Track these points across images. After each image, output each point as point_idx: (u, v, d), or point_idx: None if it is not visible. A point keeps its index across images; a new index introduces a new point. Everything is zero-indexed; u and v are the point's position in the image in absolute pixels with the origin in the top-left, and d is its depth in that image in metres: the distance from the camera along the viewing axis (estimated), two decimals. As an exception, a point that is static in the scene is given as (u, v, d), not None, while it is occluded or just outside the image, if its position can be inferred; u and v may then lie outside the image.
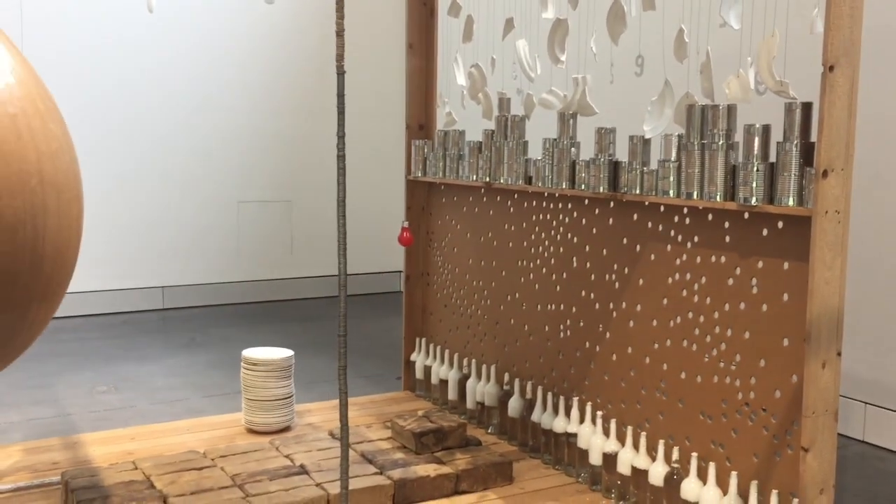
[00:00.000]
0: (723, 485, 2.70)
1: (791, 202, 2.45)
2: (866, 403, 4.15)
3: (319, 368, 5.21)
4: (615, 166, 3.08)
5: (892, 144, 3.96)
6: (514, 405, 3.60)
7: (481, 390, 3.81)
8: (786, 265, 2.53)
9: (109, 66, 6.83)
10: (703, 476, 2.76)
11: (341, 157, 2.24)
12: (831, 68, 2.26)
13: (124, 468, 3.10)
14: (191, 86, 7.23)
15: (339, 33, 2.21)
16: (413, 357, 4.35)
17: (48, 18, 6.50)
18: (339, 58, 2.21)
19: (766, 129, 2.55)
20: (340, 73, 2.21)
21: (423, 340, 4.31)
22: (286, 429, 3.73)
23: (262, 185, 7.65)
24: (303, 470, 3.11)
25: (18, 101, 1.42)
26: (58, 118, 1.57)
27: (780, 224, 2.55)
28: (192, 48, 7.20)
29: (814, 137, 2.39)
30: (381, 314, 7.25)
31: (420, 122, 4.30)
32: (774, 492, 2.52)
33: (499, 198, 3.79)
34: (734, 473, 2.65)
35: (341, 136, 2.23)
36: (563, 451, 3.34)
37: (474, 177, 3.83)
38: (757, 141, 2.54)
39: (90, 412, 4.55)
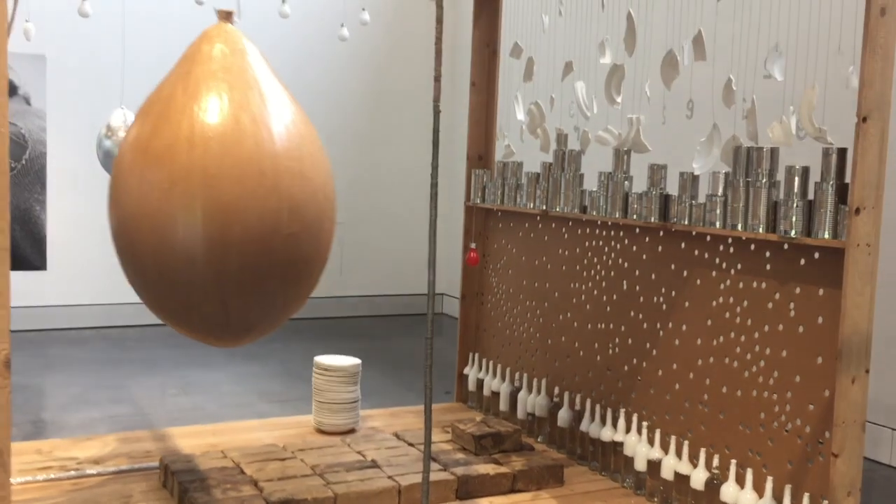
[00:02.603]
0: (759, 489, 2.98)
1: (827, 235, 2.76)
2: (894, 430, 4.40)
3: (374, 381, 5.54)
4: (666, 199, 3.41)
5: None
6: (563, 416, 3.91)
7: (532, 402, 4.12)
8: (821, 291, 2.84)
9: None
10: (741, 481, 3.05)
11: (434, 185, 2.58)
12: (864, 119, 2.58)
13: (215, 456, 3.45)
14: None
15: (437, 78, 2.57)
16: (466, 370, 4.67)
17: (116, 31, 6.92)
18: (436, 99, 2.57)
19: (805, 171, 2.87)
20: (437, 113, 2.57)
21: (476, 355, 4.63)
22: (351, 430, 4.06)
23: (316, 207, 8.05)
24: (374, 464, 3.44)
25: (309, 143, 1.86)
26: (324, 153, 1.99)
27: (817, 255, 2.86)
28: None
29: (848, 179, 2.70)
30: (419, 333, 7.58)
31: (479, 153, 4.65)
32: (806, 494, 2.81)
33: (554, 224, 4.13)
34: (770, 478, 2.94)
35: (435, 167, 2.57)
36: (609, 458, 3.64)
37: (531, 205, 4.17)
38: (797, 180, 2.86)
39: (165, 412, 4.93)
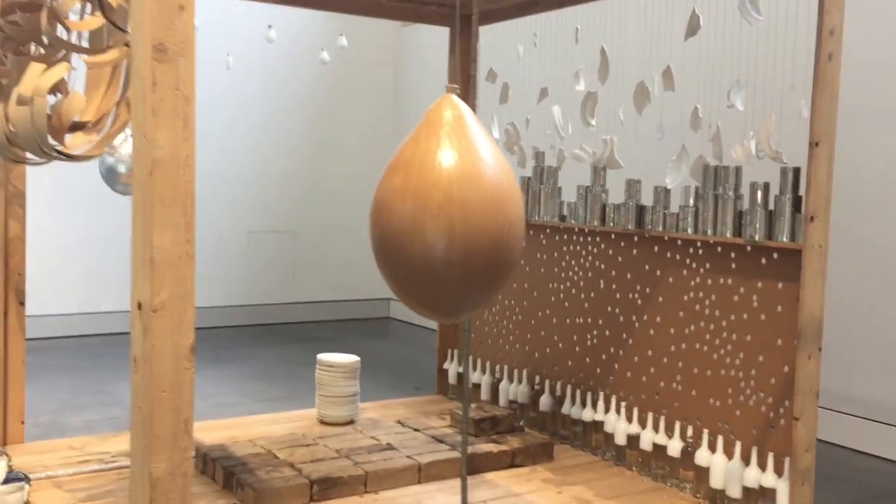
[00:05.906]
0: (728, 453, 3.55)
1: (785, 239, 3.35)
2: (819, 407, 5.07)
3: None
4: (641, 209, 3.95)
5: (861, 196, 4.94)
6: (545, 401, 4.40)
7: (514, 390, 4.61)
8: (780, 285, 3.42)
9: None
10: (712, 447, 3.60)
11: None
12: (816, 144, 3.17)
13: (245, 445, 3.78)
14: (210, 128, 7.91)
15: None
16: (445, 365, 5.12)
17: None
18: (472, 126, 3.02)
19: (766, 185, 3.45)
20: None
21: (455, 352, 5.08)
22: (352, 422, 4.44)
23: (269, 217, 8.34)
24: (391, 447, 3.84)
25: (512, 179, 2.46)
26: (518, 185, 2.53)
27: (775, 255, 3.44)
28: (212, 93, 7.90)
29: (802, 192, 3.30)
30: (374, 336, 8.01)
31: (456, 167, 5.11)
32: (770, 454, 3.38)
33: (532, 232, 4.63)
34: (738, 443, 3.50)
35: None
36: (591, 436, 4.15)
37: (511, 214, 4.65)
38: (759, 193, 3.44)
39: (157, 413, 5.17)
